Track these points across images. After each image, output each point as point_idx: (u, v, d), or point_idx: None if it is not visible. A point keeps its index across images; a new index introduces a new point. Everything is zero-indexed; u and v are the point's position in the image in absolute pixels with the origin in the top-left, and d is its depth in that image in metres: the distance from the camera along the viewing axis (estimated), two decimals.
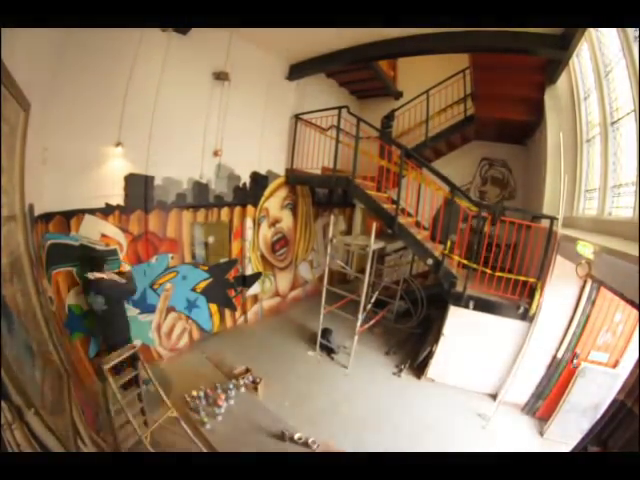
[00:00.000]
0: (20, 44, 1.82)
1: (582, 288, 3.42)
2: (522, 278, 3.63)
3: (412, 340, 5.30)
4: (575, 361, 3.55)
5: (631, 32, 2.41)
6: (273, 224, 5.67)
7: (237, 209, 4.94)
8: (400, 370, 4.46)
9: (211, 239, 4.68)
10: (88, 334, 3.42)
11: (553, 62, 3.64)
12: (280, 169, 5.53)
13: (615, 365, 3.45)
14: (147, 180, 3.76)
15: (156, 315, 4.08)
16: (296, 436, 3.08)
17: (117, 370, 2.65)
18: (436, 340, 4.25)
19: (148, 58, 3.46)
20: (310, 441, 3.03)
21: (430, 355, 4.29)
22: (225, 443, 2.98)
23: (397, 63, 7.06)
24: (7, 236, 1.82)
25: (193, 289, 4.51)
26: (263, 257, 5.55)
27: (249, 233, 5.14)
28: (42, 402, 1.71)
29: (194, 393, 3.49)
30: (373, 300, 5.37)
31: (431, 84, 6.07)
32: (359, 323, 4.39)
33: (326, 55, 4.56)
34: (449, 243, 4.00)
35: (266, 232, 5.55)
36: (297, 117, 5.37)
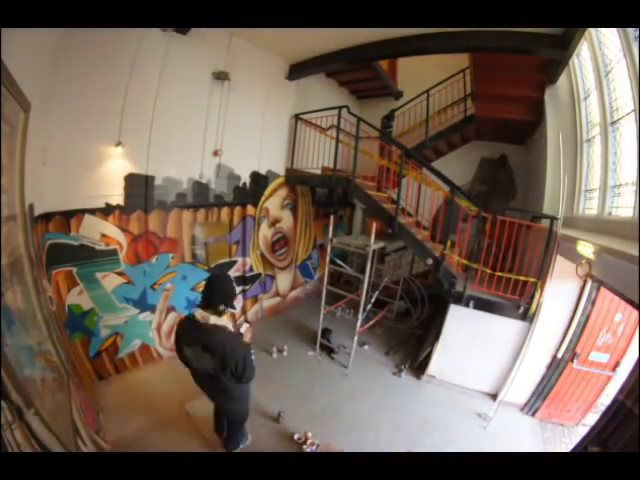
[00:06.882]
0: (20, 44, 1.82)
1: (582, 288, 3.41)
2: (522, 278, 3.63)
3: (412, 340, 5.30)
4: (575, 361, 3.55)
5: (631, 32, 2.41)
6: (273, 224, 5.67)
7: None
8: (400, 370, 4.46)
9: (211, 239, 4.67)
10: (88, 334, 3.42)
11: (553, 62, 3.64)
12: (280, 169, 5.52)
13: (615, 366, 3.45)
14: (147, 180, 3.76)
15: (156, 315, 4.08)
16: (296, 436, 3.08)
17: None
18: (436, 340, 4.25)
19: (148, 58, 3.45)
20: (310, 441, 3.03)
21: (430, 355, 4.29)
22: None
23: (397, 63, 7.06)
24: (7, 236, 1.81)
25: (193, 289, 4.52)
26: (263, 257, 5.56)
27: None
28: (42, 402, 1.70)
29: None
30: (373, 300, 5.37)
31: (431, 84, 6.06)
32: (359, 323, 4.39)
33: (326, 55, 4.55)
34: (449, 243, 4.00)
35: (266, 232, 5.55)
36: (297, 117, 5.36)
